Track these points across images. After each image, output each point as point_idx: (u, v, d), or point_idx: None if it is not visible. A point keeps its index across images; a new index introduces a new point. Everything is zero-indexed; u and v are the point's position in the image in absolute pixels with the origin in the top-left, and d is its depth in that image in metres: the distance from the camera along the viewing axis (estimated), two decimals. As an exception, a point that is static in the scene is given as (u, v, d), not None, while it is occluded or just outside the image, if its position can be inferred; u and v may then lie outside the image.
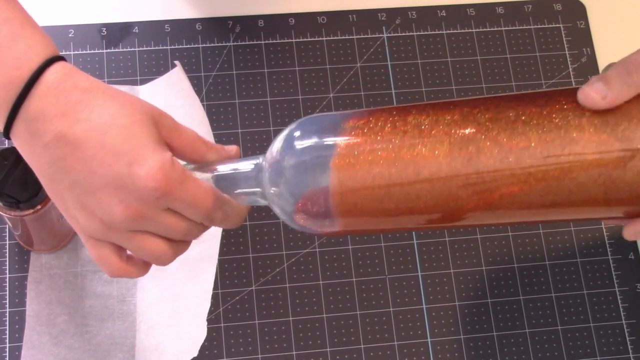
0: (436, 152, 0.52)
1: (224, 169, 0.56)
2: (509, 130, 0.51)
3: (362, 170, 0.52)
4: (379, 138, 0.53)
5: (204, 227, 0.55)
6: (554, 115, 0.51)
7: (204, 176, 0.56)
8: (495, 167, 0.51)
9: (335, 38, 0.83)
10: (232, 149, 0.58)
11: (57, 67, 0.51)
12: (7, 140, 0.76)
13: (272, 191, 0.54)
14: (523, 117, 0.51)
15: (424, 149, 0.52)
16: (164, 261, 0.55)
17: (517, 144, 0.51)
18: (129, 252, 0.55)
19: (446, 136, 0.52)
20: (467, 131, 0.52)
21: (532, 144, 0.51)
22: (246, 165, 0.56)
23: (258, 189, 0.55)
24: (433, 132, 0.52)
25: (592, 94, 0.49)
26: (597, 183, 0.50)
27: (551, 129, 0.50)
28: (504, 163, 0.51)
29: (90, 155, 0.50)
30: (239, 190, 0.56)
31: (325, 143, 0.53)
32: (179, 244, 0.55)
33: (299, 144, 0.54)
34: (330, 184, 0.52)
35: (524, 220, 0.55)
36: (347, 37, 0.83)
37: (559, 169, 0.50)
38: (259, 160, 0.55)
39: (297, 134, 0.54)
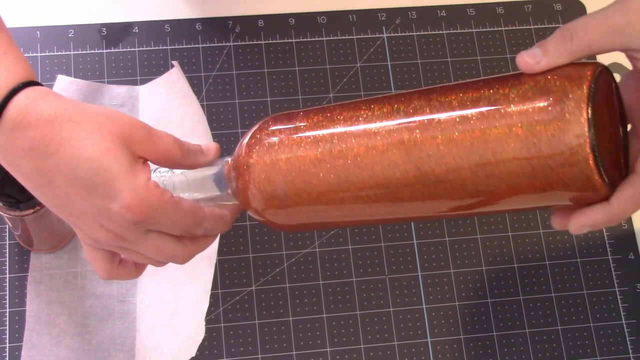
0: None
1: (193, 174, 0.56)
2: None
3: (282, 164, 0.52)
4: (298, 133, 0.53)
5: (192, 248, 0.55)
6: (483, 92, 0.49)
7: (177, 179, 0.56)
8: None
9: (335, 38, 0.83)
10: (212, 149, 0.56)
11: (20, 97, 0.50)
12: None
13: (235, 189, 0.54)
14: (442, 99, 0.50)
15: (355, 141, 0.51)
16: (160, 265, 0.56)
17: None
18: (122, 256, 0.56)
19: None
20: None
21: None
22: (215, 167, 0.56)
23: (220, 193, 0.55)
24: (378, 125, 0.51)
25: (527, 58, 0.51)
26: (523, 158, 0.47)
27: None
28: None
29: (65, 188, 0.50)
30: (210, 194, 0.56)
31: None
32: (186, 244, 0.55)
33: (251, 141, 0.54)
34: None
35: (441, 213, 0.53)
36: (347, 37, 0.83)
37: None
38: (228, 159, 0.55)
39: (254, 130, 0.54)
